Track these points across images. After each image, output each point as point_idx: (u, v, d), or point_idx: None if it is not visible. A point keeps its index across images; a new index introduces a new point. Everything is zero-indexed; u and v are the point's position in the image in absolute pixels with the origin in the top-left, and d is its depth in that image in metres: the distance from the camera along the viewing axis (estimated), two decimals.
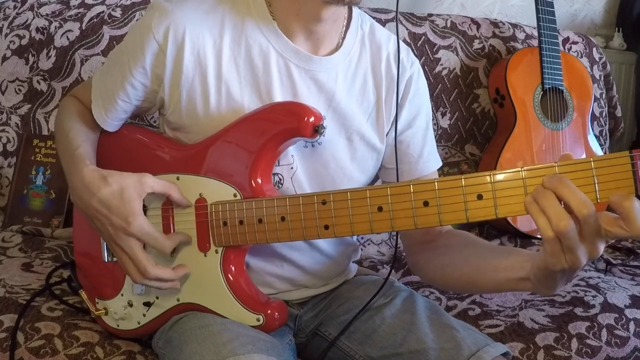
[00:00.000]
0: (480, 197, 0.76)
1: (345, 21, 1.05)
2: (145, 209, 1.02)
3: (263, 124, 0.96)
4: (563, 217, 0.70)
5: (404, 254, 1.19)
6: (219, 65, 0.99)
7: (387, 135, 1.08)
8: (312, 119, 0.92)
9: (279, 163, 1.00)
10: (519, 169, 0.74)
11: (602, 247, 0.73)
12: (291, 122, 0.93)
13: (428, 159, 1.11)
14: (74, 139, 1.04)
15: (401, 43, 1.08)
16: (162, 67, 0.98)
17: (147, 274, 0.95)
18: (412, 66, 1.11)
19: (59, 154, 1.08)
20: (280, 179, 1.01)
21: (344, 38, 1.05)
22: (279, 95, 1.00)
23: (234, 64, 0.99)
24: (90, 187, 0.95)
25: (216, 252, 0.97)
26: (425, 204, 0.79)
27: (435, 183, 0.79)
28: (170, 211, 1.01)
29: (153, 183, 0.96)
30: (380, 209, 0.83)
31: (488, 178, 0.75)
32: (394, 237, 1.21)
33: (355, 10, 1.07)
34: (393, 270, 1.45)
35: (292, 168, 1.02)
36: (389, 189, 0.82)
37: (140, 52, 0.98)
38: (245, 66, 1.00)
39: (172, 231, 1.01)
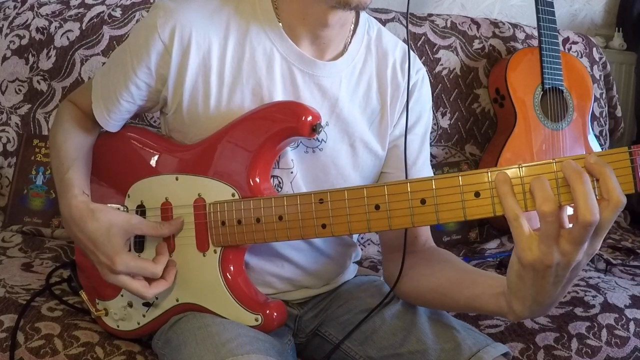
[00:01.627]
0: (477, 195, 0.76)
1: (352, 26, 1.04)
2: (144, 209, 1.03)
3: (261, 123, 0.95)
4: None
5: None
6: (222, 67, 0.98)
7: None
8: (309, 118, 0.92)
9: (278, 166, 1.00)
10: (517, 166, 0.73)
11: (573, 257, 0.69)
12: (289, 122, 0.93)
13: (421, 169, 1.09)
14: (64, 158, 1.02)
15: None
16: (167, 68, 0.98)
17: (144, 298, 0.97)
18: (418, 73, 1.10)
19: (51, 170, 1.07)
20: (279, 182, 1.01)
21: (349, 43, 1.03)
22: (281, 99, 0.99)
23: (238, 66, 0.99)
24: (77, 221, 0.95)
25: (215, 252, 0.97)
26: (423, 202, 0.79)
27: (433, 181, 0.78)
28: (169, 211, 1.01)
29: (141, 225, 0.97)
30: (377, 207, 0.83)
31: (486, 176, 0.75)
32: None
33: (362, 15, 1.06)
34: None
35: (291, 172, 1.01)
36: (386, 188, 0.82)
37: (144, 52, 0.97)
38: (249, 69, 0.99)
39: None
